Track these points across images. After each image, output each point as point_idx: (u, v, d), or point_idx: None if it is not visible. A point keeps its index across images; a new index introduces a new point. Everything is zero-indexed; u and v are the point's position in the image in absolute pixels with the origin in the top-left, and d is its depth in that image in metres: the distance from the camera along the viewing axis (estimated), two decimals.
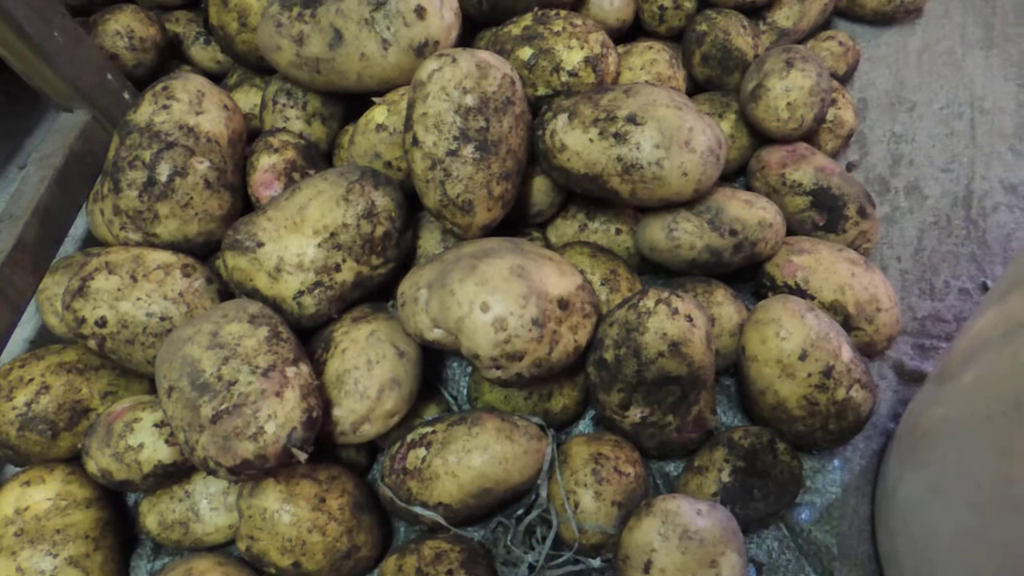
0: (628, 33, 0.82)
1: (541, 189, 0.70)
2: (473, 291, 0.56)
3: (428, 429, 0.60)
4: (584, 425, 0.68)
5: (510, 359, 0.56)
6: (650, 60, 0.73)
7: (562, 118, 0.65)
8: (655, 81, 0.73)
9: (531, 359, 0.57)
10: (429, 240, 0.69)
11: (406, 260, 0.68)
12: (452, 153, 0.61)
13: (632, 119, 0.62)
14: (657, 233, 0.67)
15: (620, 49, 0.76)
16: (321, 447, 0.61)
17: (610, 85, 0.67)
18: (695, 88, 0.82)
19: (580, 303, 0.60)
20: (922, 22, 0.91)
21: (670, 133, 0.61)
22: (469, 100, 0.61)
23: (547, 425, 0.64)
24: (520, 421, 0.61)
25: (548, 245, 0.73)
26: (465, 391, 0.69)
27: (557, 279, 0.59)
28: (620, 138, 0.62)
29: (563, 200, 0.72)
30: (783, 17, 0.82)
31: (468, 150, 0.61)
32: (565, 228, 0.73)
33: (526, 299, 0.56)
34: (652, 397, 0.60)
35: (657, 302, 0.59)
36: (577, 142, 0.64)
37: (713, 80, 0.78)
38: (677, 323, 0.59)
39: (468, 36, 0.77)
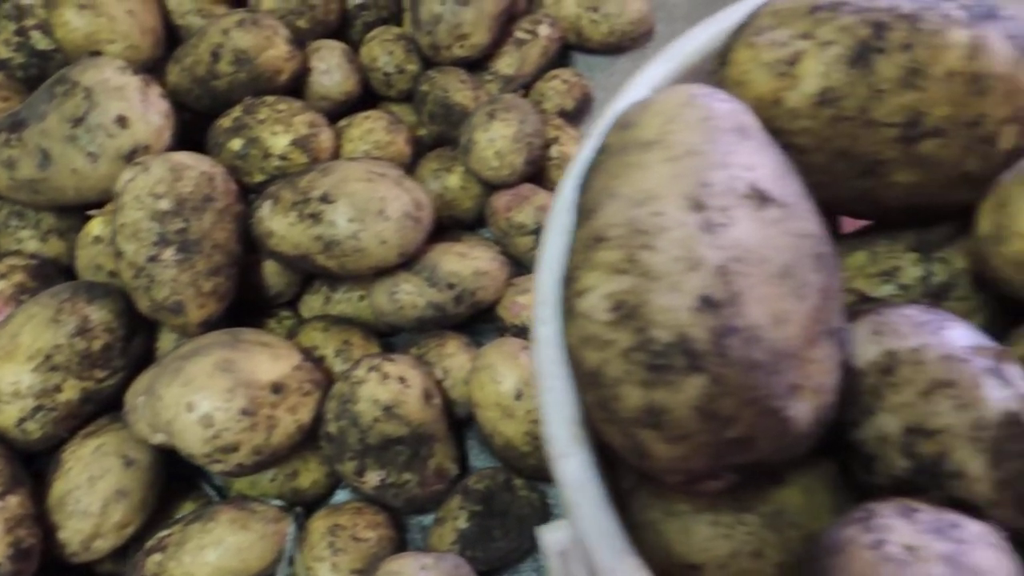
0: (367, 101, 0.85)
1: (274, 272, 0.72)
2: (179, 393, 0.58)
3: (166, 532, 0.61)
4: (343, 495, 0.70)
5: (225, 452, 0.58)
6: (367, 129, 0.76)
7: (266, 205, 0.67)
8: (375, 149, 0.76)
9: (248, 448, 0.59)
10: (166, 340, 0.70)
11: (142, 364, 0.69)
12: (153, 259, 0.63)
13: (325, 198, 0.65)
14: (381, 299, 0.69)
15: (344, 122, 0.79)
16: (71, 568, 0.61)
17: (314, 165, 0.70)
18: (435, 144, 0.85)
19: (298, 383, 0.62)
20: (652, 45, 0.97)
21: (362, 205, 0.64)
22: (164, 204, 0.63)
23: (299, 502, 0.66)
24: (259, 507, 0.63)
25: (301, 321, 0.75)
26: None
27: (270, 365, 0.61)
28: (316, 218, 0.64)
29: (303, 277, 0.75)
30: (505, 65, 0.86)
31: (169, 253, 0.63)
32: (312, 303, 0.75)
33: (232, 392, 0.58)
34: (383, 460, 0.62)
35: (368, 370, 0.62)
36: (280, 227, 0.66)
37: (443, 135, 0.82)
38: (389, 387, 0.61)
39: (203, 128, 0.79)
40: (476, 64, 0.86)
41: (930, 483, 0.30)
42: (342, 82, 0.80)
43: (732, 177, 0.30)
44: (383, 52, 0.83)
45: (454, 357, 0.69)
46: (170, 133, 0.71)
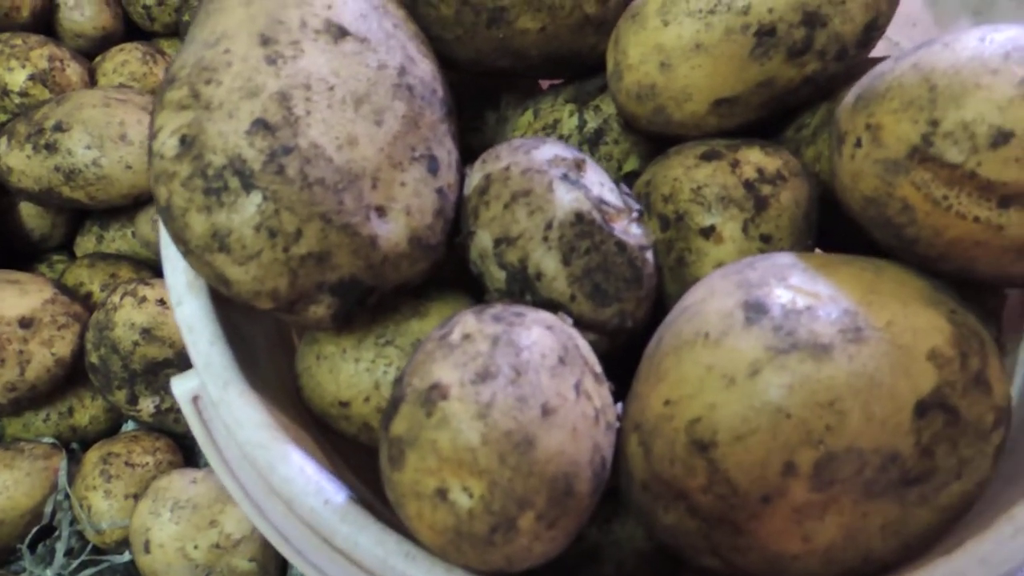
0: (133, 35, 0.82)
1: (33, 214, 0.70)
2: None
3: None
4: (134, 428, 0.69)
5: None
6: (121, 62, 0.74)
7: (3, 142, 0.65)
8: (131, 81, 0.74)
9: (0, 385, 0.57)
10: None
11: None
12: None
13: (58, 127, 0.63)
14: (144, 227, 0.68)
15: (100, 57, 0.76)
16: None
17: (52, 97, 0.68)
18: None
19: (51, 316, 0.61)
20: None
21: (99, 131, 0.63)
22: None
23: (82, 440, 0.65)
24: (27, 446, 0.61)
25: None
26: None
27: (16, 300, 0.60)
28: (51, 148, 0.63)
29: (71, 217, 0.72)
30: None
31: None
32: (85, 244, 0.73)
33: None
34: (155, 385, 0.62)
35: (123, 296, 0.61)
36: (19, 162, 0.64)
37: None
38: (146, 310, 0.61)
39: None
40: None
41: (524, 289, 0.33)
42: (94, 17, 0.77)
43: (308, 15, 0.31)
44: None
45: None
46: None
